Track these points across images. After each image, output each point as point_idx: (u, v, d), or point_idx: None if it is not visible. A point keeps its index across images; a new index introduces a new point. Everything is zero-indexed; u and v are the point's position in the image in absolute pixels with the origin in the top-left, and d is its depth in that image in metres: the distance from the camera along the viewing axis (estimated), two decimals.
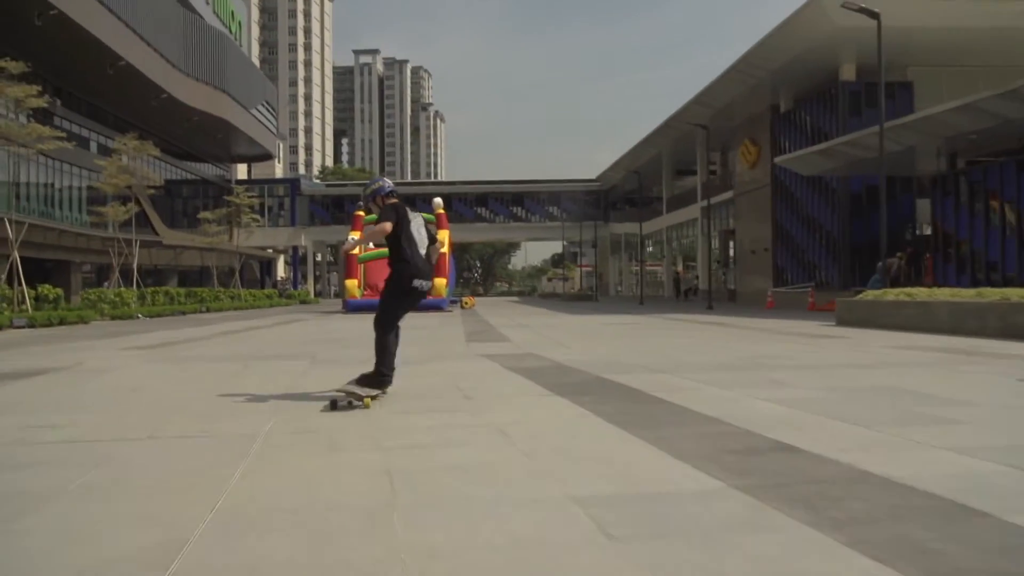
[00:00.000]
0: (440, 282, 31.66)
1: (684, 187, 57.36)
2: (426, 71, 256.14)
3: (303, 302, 57.25)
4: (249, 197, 46.31)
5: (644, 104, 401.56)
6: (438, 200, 34.07)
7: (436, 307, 31.04)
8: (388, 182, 6.87)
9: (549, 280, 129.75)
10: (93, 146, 48.68)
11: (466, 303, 35.95)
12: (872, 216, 30.85)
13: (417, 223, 6.62)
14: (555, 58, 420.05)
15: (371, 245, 37.18)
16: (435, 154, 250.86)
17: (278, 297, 55.32)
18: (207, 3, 58.69)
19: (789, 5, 28.89)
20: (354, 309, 30.83)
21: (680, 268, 57.61)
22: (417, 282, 6.53)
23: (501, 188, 75.38)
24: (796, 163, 27.70)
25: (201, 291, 38.08)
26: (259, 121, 67.45)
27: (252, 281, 75.85)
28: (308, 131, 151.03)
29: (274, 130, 74.22)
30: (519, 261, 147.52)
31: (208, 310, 35.30)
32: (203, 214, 47.23)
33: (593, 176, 73.66)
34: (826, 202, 32.36)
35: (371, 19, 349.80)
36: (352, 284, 31.44)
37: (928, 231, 30.50)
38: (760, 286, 38.71)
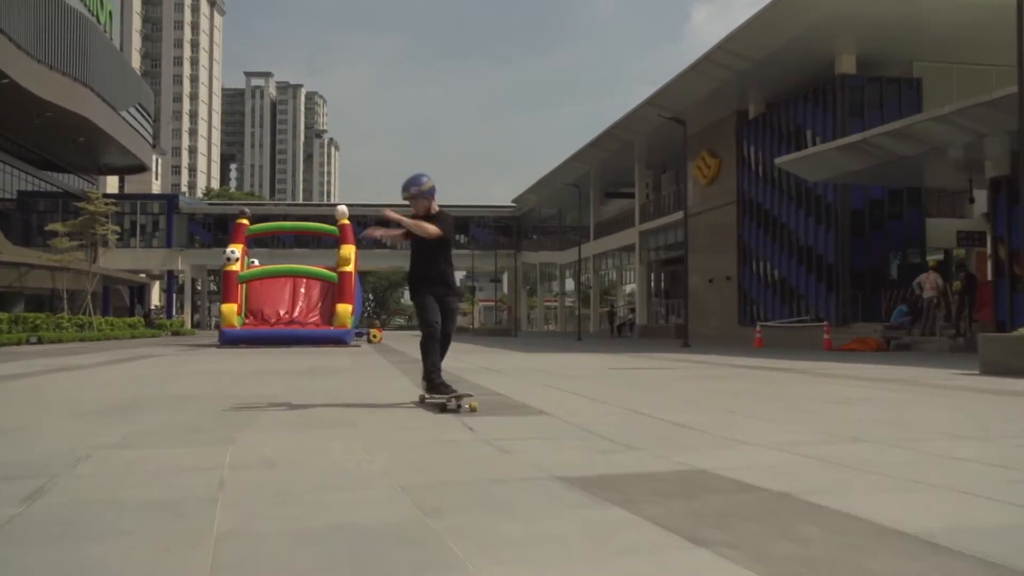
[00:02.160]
0: (343, 309, 24.80)
1: (615, 211, 51.93)
2: (321, 97, 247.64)
3: (176, 333, 49.12)
4: (106, 204, 38.15)
5: (541, 141, 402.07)
6: (342, 208, 27.25)
7: (337, 340, 24.18)
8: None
9: None
10: None
11: (374, 336, 29.09)
12: (875, 237, 25.72)
13: None
14: (453, 95, 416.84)
15: (255, 262, 30.11)
16: (329, 183, 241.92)
17: (144, 327, 47.07)
18: None
19: (676, 55, 23.67)
20: (231, 341, 23.64)
21: (614, 302, 51.94)
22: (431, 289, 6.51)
23: (408, 211, 68.48)
24: (804, 164, 22.21)
25: (35, 317, 30.02)
26: (131, 127, 58.99)
27: (121, 309, 66.65)
28: (193, 151, 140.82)
29: (150, 139, 65.65)
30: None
31: (40, 340, 27.38)
32: (52, 225, 38.94)
33: (506, 202, 67.97)
34: (818, 220, 27.09)
35: (264, 47, 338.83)
36: (230, 310, 24.21)
37: (940, 256, 25.58)
38: (721, 321, 33.21)
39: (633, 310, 46.34)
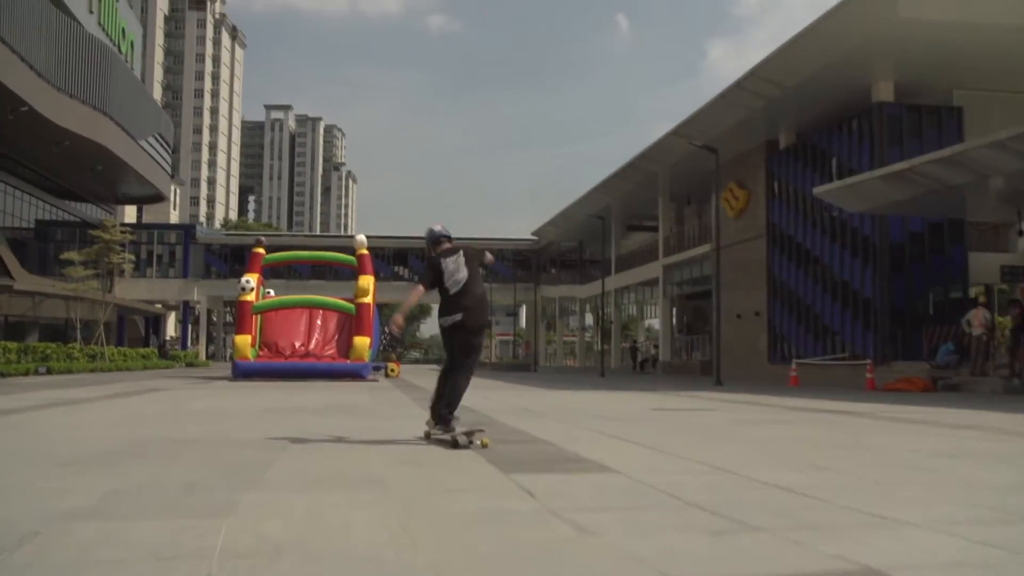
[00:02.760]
0: (361, 342, 23.85)
1: (636, 245, 50.97)
2: (339, 130, 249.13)
3: (190, 364, 48.29)
4: (121, 233, 37.52)
5: (557, 175, 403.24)
6: (361, 238, 26.38)
7: (354, 374, 23.21)
8: (436, 228, 6.87)
9: None
10: None
11: (392, 370, 28.11)
12: (915, 271, 24.62)
13: (455, 264, 6.47)
14: (470, 130, 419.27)
15: (271, 292, 29.27)
16: (346, 215, 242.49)
17: (158, 358, 46.32)
18: (91, 12, 50.36)
19: (693, 91, 22.78)
20: (244, 374, 22.71)
21: (636, 337, 50.79)
22: (441, 320, 6.49)
23: (423, 244, 67.80)
24: (845, 194, 21.19)
25: (45, 347, 29.26)
26: (150, 156, 58.71)
27: (136, 339, 66.08)
28: (212, 182, 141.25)
29: (168, 169, 65.42)
30: (427, 328, 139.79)
31: (50, 371, 26.54)
32: (67, 254, 38.36)
33: (523, 235, 67.24)
34: (854, 254, 25.99)
35: (284, 81, 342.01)
36: (243, 341, 23.31)
37: (981, 289, 24.41)
38: (748, 358, 32.06)
39: (656, 346, 45.18)
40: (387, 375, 27.52)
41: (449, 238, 6.81)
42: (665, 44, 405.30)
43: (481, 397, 13.99)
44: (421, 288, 6.41)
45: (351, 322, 25.27)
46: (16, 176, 50.69)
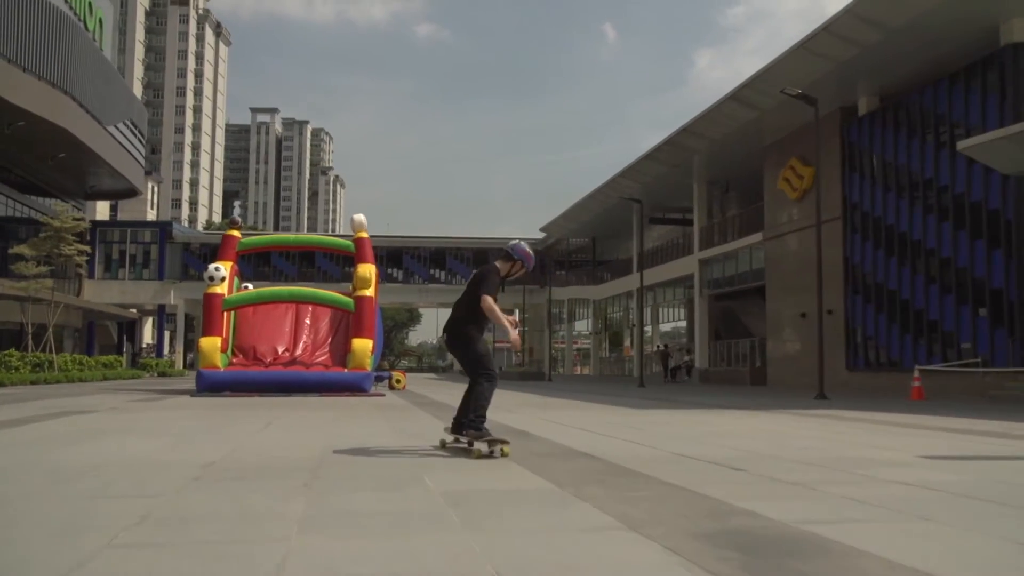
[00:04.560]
0: (361, 346, 18.74)
1: (660, 239, 45.97)
2: (327, 134, 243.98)
3: (162, 374, 43.06)
4: (75, 220, 32.25)
5: (545, 183, 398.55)
6: (360, 217, 21.26)
7: (353, 386, 18.11)
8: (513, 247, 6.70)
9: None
10: None
11: (398, 381, 22.94)
12: None
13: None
14: (457, 137, 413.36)
15: (248, 286, 24.11)
16: (334, 220, 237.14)
17: (124, 367, 41.07)
18: None
19: (681, 99, 17.99)
20: (211, 387, 17.56)
21: (656, 340, 45.73)
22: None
23: (419, 243, 62.81)
24: (1005, 149, 16.16)
25: None
26: (121, 146, 53.37)
27: (108, 347, 60.76)
28: (195, 184, 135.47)
29: (143, 162, 60.07)
30: (416, 336, 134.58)
31: None
32: (17, 248, 33.08)
33: (530, 233, 62.20)
34: (976, 235, 21.07)
35: (271, 87, 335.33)
36: (210, 345, 18.15)
37: None
38: (814, 364, 27.07)
39: (689, 351, 40.14)
40: (392, 387, 22.39)
41: (508, 255, 6.63)
42: (652, 53, 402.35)
43: (546, 421, 9.03)
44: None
45: (348, 321, 20.22)
46: None
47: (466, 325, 6.37)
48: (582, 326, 62.73)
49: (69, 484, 4.63)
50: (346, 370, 18.46)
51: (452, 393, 20.96)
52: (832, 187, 26.62)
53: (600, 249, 55.65)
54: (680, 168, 35.92)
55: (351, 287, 20.07)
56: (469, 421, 6.24)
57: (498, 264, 6.52)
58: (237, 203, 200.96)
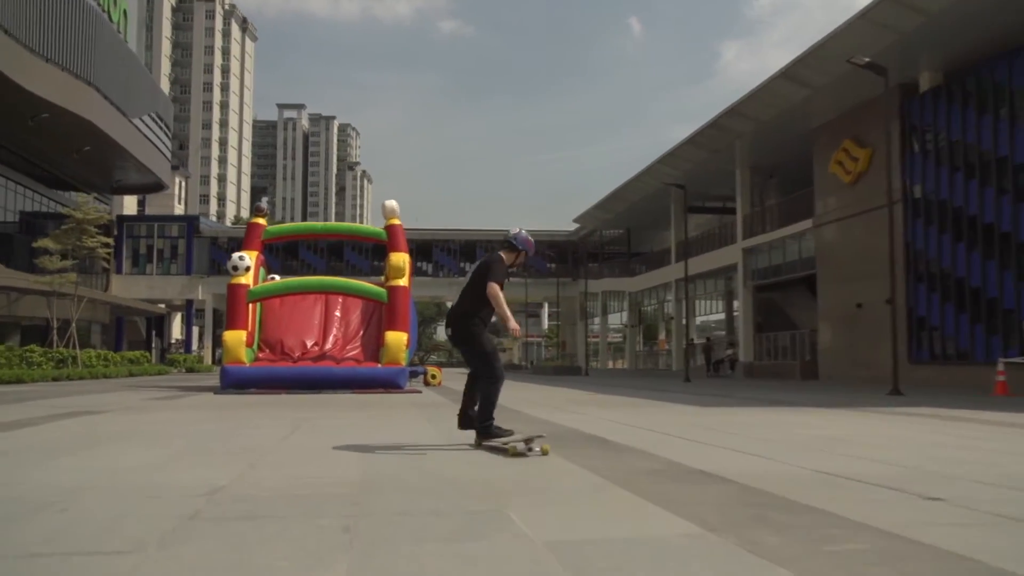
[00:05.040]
0: (395, 339, 17.44)
1: (698, 229, 44.33)
2: (354, 129, 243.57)
3: (190, 370, 42.16)
4: (97, 212, 31.27)
5: (570, 177, 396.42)
6: (392, 204, 20.02)
7: (387, 382, 16.82)
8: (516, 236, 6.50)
9: None
10: None
11: (433, 376, 21.64)
12: None
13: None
14: (483, 133, 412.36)
15: (275, 277, 22.92)
16: (361, 216, 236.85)
17: (151, 363, 40.17)
18: None
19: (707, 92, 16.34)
20: (236, 384, 16.35)
21: (710, 335, 44.05)
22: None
23: (449, 236, 61.54)
24: None
25: None
26: (147, 139, 52.57)
27: (137, 342, 60.13)
28: (222, 180, 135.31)
29: (169, 155, 59.33)
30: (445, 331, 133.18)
31: None
32: (41, 241, 32.14)
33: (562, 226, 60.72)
34: None
35: (297, 85, 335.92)
36: (235, 339, 16.94)
37: None
38: (871, 357, 25.52)
39: (731, 344, 38.54)
40: (427, 383, 21.10)
41: (510, 245, 6.45)
42: (678, 47, 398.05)
43: (531, 405, 7.69)
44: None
45: (380, 313, 18.97)
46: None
47: (472, 319, 6.17)
48: (615, 319, 61.21)
49: (11, 527, 3.33)
50: (379, 365, 17.19)
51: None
52: (889, 170, 24.95)
53: (635, 240, 54.06)
54: (722, 154, 34.35)
55: (383, 278, 18.82)
56: (482, 427, 6.11)
57: (502, 254, 6.34)
58: (265, 198, 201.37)
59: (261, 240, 19.48)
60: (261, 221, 19.74)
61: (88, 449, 6.24)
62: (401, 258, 18.58)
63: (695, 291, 45.60)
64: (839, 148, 27.59)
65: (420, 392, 16.87)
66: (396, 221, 19.65)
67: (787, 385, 23.59)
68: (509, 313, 6.09)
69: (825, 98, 26.63)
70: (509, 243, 6.38)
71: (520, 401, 13.75)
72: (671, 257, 44.57)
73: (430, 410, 11.00)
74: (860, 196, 26.69)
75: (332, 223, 35.15)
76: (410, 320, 18.51)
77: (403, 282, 18.20)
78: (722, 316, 46.28)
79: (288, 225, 24.79)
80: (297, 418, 9.25)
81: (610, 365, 59.34)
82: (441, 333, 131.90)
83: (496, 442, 5.97)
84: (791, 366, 31.22)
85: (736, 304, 46.68)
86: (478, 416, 6.13)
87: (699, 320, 50.03)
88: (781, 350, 33.62)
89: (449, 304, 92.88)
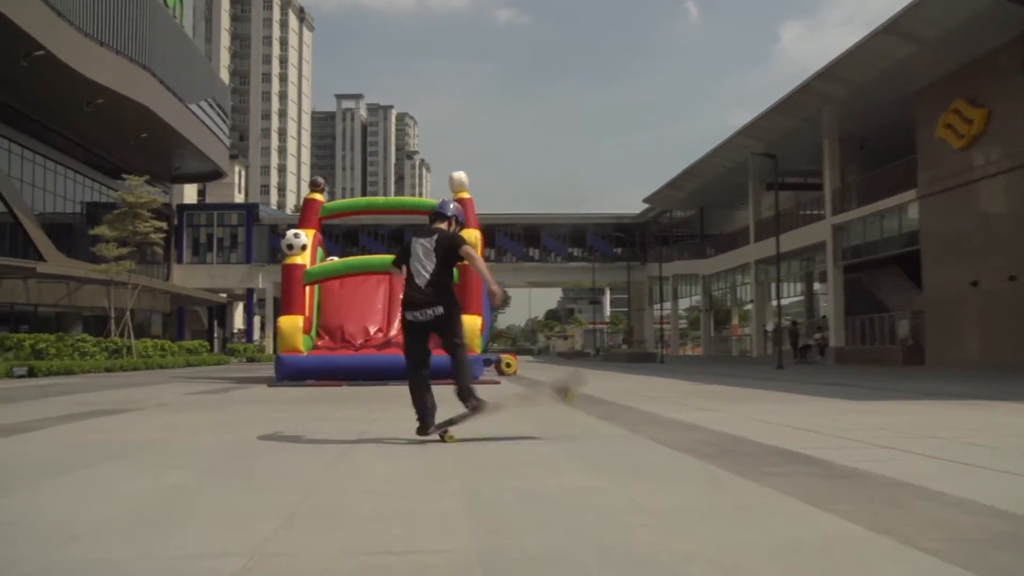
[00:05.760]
0: (470, 323, 15.52)
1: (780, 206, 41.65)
2: (411, 118, 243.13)
3: (250, 360, 41.07)
4: (150, 196, 30.06)
5: (628, 164, 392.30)
6: (461, 175, 18.16)
7: None
8: (446, 205, 6.22)
9: (548, 338, 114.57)
10: None
11: (508, 365, 19.72)
12: None
13: (420, 249, 5.89)
14: (541, 120, 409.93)
15: (334, 259, 21.25)
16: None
17: (210, 352, 39.18)
18: None
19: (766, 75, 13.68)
20: (292, 375, 14.65)
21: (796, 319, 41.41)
22: (409, 314, 5.90)
23: (512, 220, 59.57)
24: None
25: (36, 339, 21.82)
26: (204, 125, 51.69)
27: (200, 332, 59.70)
28: (282, 170, 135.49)
29: (227, 142, 58.49)
30: (504, 319, 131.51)
31: (33, 372, 18.96)
32: (97, 228, 31.09)
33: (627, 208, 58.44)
34: None
35: (354, 77, 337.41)
36: (291, 326, 15.23)
37: None
38: (988, 341, 23.00)
39: (820, 328, 35.95)
40: (501, 372, 19.21)
41: (444, 217, 6.05)
42: (737, 30, 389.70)
43: (765, 423, 5.70)
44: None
45: None
46: (58, 150, 43.93)
47: (450, 289, 6.01)
48: (684, 304, 58.75)
49: None
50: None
51: (545, 373, 17.76)
52: (1010, 131, 22.35)
53: (708, 220, 51.50)
54: (809, 123, 31.81)
55: None
56: (466, 389, 5.86)
57: (441, 227, 6.02)
58: (321, 179, 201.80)
59: (319, 217, 17.81)
60: (318, 197, 18.07)
61: (57, 477, 4.42)
62: (472, 234, 16.67)
63: (771, 274, 43.00)
64: (948, 110, 24.94)
65: (499, 383, 14.98)
66: (465, 194, 17.79)
67: (898, 373, 21.17)
68: (489, 274, 6.03)
69: (934, 54, 24.02)
70: (438, 214, 6.06)
71: (617, 393, 11.76)
72: (749, 236, 41.98)
73: (525, 406, 9.10)
74: (975, 161, 24.05)
75: (394, 198, 33.78)
76: (483, 302, 16.63)
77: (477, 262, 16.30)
78: (798, 299, 43.70)
79: (347, 200, 23.17)
80: (361, 419, 7.44)
81: (684, 351, 56.84)
82: (500, 321, 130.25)
83: (475, 404, 5.76)
84: (891, 351, 28.65)
85: (817, 286, 44.01)
86: (461, 384, 5.82)
87: (775, 304, 47.32)
88: (878, 334, 31.02)
89: (510, 291, 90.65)
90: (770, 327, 41.16)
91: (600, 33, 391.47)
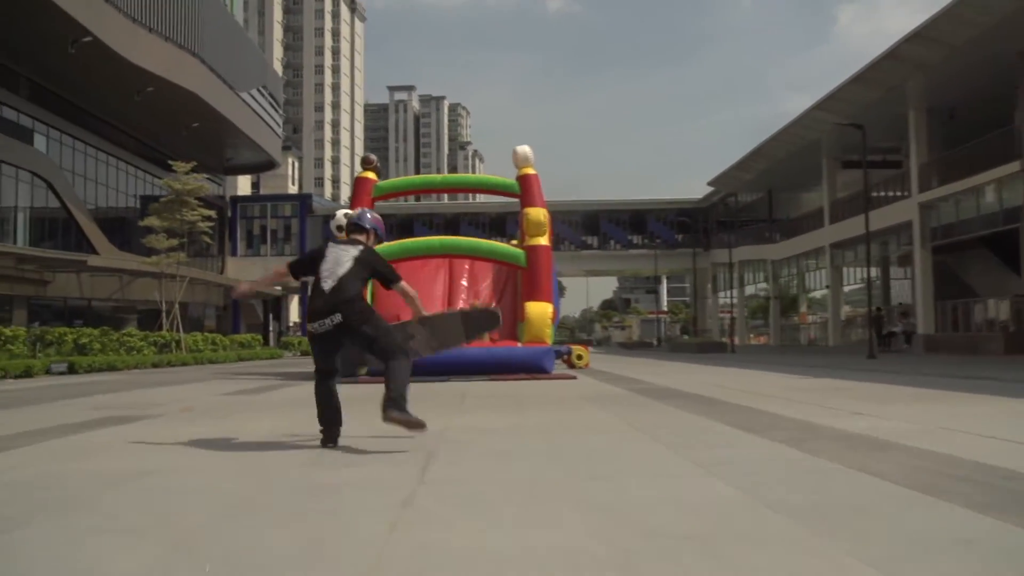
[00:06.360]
0: (538, 312, 13.92)
1: (850, 188, 39.29)
2: (464, 108, 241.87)
3: (305, 353, 39.95)
4: (196, 182, 28.97)
5: (681, 152, 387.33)
6: (524, 150, 16.51)
7: (531, 365, 13.32)
8: (364, 216, 5.80)
9: (604, 328, 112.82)
10: None
11: (579, 357, 18.00)
12: None
13: (332, 256, 5.42)
14: (591, 109, 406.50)
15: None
16: (474, 196, 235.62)
17: (263, 346, 38.21)
18: None
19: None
20: (343, 371, 13.09)
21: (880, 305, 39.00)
22: (309, 325, 5.45)
23: (571, 207, 57.71)
24: None
25: (78, 333, 20.72)
26: (255, 114, 50.80)
27: (255, 325, 59.02)
28: (336, 162, 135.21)
29: (279, 132, 57.64)
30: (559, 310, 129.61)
31: (73, 368, 17.80)
32: (147, 219, 30.10)
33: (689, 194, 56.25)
34: None
35: (406, 69, 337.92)
36: None
37: None
38: None
39: (905, 314, 33.59)
40: (572, 364, 17.52)
41: (362, 229, 5.70)
42: (791, 12, 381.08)
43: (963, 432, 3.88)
44: (282, 269, 5.77)
45: (515, 281, 15.54)
46: (111, 141, 43.43)
47: (354, 296, 5.37)
48: (747, 291, 56.41)
49: None
50: (519, 344, 13.71)
51: (658, 370, 15.99)
52: None
53: (776, 203, 49.07)
54: (894, 93, 29.44)
55: (519, 234, 15.40)
56: (392, 399, 5.17)
57: (359, 238, 5.62)
58: (373, 156, 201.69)
59: (371, 198, 16.30)
60: (371, 175, 16.55)
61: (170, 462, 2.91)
62: (539, 212, 15.08)
63: (847, 258, 40.60)
64: None
65: (575, 378, 13.28)
66: (530, 170, 16.15)
67: (1008, 361, 19.03)
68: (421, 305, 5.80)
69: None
70: (355, 225, 5.73)
71: (714, 389, 10.00)
72: (823, 219, 39.60)
73: (620, 407, 7.43)
74: None
75: (452, 175, 32.10)
76: (553, 288, 14.96)
77: (543, 240, 14.69)
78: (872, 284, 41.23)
79: (401, 179, 21.68)
80: (427, 433, 5.83)
81: (752, 340, 54.50)
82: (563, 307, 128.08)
83: (405, 417, 5.16)
84: (990, 338, 26.31)
85: (895, 271, 41.54)
86: (393, 394, 5.20)
87: (846, 289, 44.87)
88: (972, 321, 28.64)
89: (565, 281, 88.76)
90: (841, 314, 38.90)
91: (651, 20, 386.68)
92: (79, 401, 9.20)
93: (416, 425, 5.15)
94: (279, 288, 58.35)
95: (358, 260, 5.38)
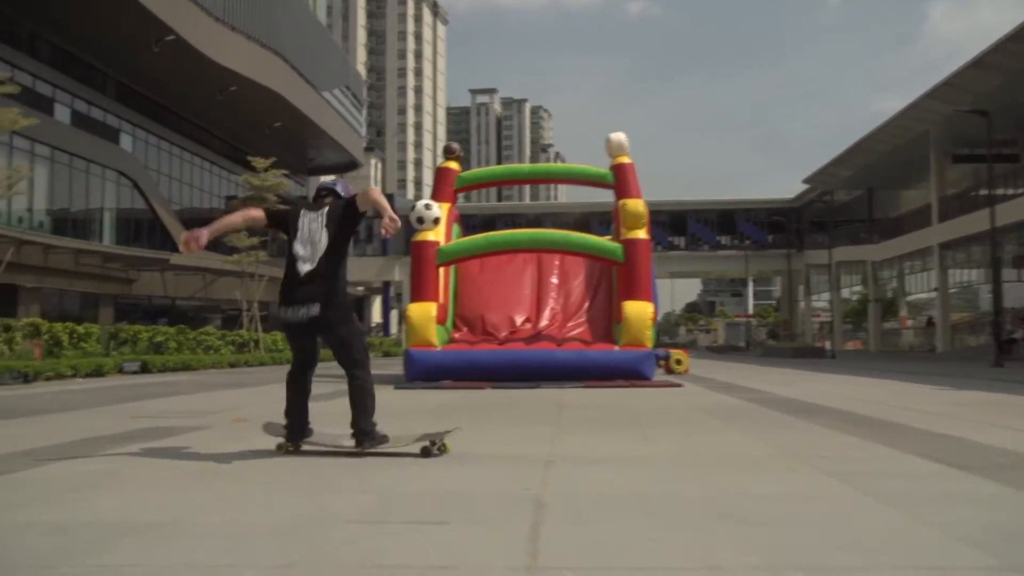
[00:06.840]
0: (638, 311, 12.50)
1: (959, 185, 36.67)
2: (546, 111, 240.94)
3: (387, 354, 39.27)
4: (275, 178, 28.41)
5: (765, 156, 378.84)
6: (619, 137, 15.36)
7: (629, 371, 11.93)
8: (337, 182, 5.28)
9: (689, 331, 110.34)
10: (62, 112, 32.33)
11: (678, 362, 16.49)
12: None
13: (306, 227, 4.89)
14: (675, 112, 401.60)
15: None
16: (556, 199, 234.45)
17: None
18: None
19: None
20: (425, 375, 12.01)
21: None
22: (281, 310, 4.85)
23: (657, 207, 55.72)
24: None
25: (156, 332, 20.17)
26: (338, 114, 50.56)
27: None
28: (419, 164, 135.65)
29: (362, 132, 57.41)
30: None
31: (146, 368, 17.12)
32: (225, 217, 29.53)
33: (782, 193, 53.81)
34: None
35: (487, 73, 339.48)
36: (421, 315, 12.61)
37: None
38: None
39: (1023, 319, 31.03)
40: (670, 370, 16.04)
41: (335, 194, 5.09)
42: (879, 11, 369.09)
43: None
44: (256, 213, 5.23)
45: (610, 279, 14.20)
46: (195, 141, 43.63)
47: (337, 285, 4.82)
48: (826, 296, 53.75)
49: None
50: (616, 347, 12.35)
51: (767, 377, 14.43)
52: None
53: (876, 202, 46.44)
54: (1018, 78, 27.07)
55: (615, 227, 14.07)
56: (365, 432, 4.78)
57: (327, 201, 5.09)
58: (456, 144, 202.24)
59: (454, 189, 15.19)
60: (453, 165, 15.46)
61: None
62: (638, 203, 13.70)
63: (959, 259, 37.97)
64: None
65: (680, 385, 11.84)
66: (626, 159, 14.83)
67: None
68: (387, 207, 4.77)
69: None
70: (331, 190, 5.09)
71: (849, 402, 8.47)
72: (931, 217, 37.07)
73: (758, 427, 6.05)
74: None
75: (540, 165, 30.47)
76: (652, 287, 13.54)
77: (643, 234, 13.30)
78: (981, 287, 38.43)
79: (485, 170, 20.57)
80: (529, 459, 4.56)
81: (850, 346, 51.80)
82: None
83: (381, 445, 4.73)
84: None
85: (1007, 273, 38.65)
86: (360, 419, 4.76)
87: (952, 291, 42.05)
88: None
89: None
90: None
91: (734, 21, 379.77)
92: (124, 407, 8.23)
93: (384, 440, 4.80)
94: (360, 288, 58.09)
95: (329, 217, 4.87)
